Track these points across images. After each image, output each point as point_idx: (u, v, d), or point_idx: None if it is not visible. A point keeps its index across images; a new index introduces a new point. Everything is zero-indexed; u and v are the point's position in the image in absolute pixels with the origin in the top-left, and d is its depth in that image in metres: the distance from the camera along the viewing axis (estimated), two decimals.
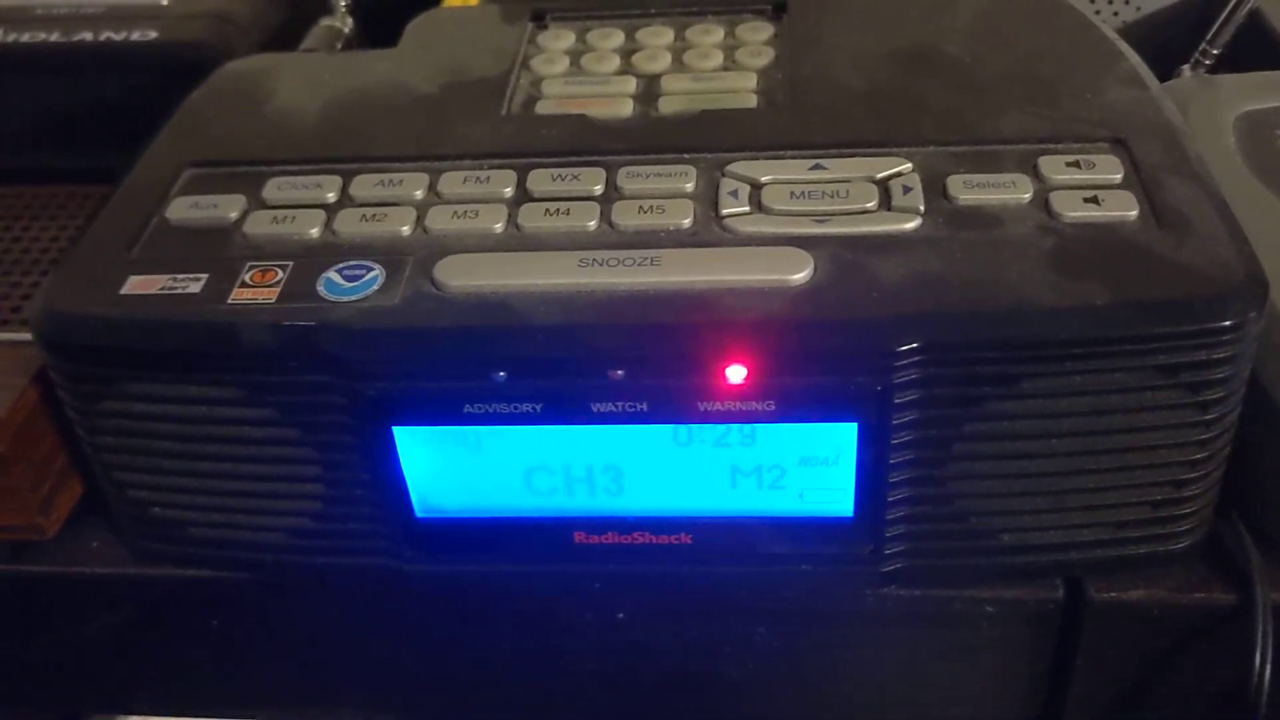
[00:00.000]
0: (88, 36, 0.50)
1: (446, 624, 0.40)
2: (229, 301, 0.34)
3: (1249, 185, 0.41)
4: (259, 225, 0.37)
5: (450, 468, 0.36)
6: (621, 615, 0.39)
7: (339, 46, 0.52)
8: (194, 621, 0.41)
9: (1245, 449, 0.36)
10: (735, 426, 0.34)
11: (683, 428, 0.35)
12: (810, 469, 0.35)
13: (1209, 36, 0.50)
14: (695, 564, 0.37)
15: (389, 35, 0.48)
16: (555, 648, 0.41)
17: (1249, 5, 0.49)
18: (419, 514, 0.37)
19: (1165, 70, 0.50)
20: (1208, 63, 0.50)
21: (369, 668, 0.42)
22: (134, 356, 0.35)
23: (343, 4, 0.53)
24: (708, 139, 0.39)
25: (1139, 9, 0.57)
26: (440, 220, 0.37)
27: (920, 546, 0.36)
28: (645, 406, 0.34)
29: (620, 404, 0.34)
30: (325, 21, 0.52)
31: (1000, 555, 0.36)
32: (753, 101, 0.42)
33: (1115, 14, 0.58)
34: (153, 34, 0.50)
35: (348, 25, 0.53)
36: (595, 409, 0.34)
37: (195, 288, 0.35)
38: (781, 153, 0.38)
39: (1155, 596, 0.37)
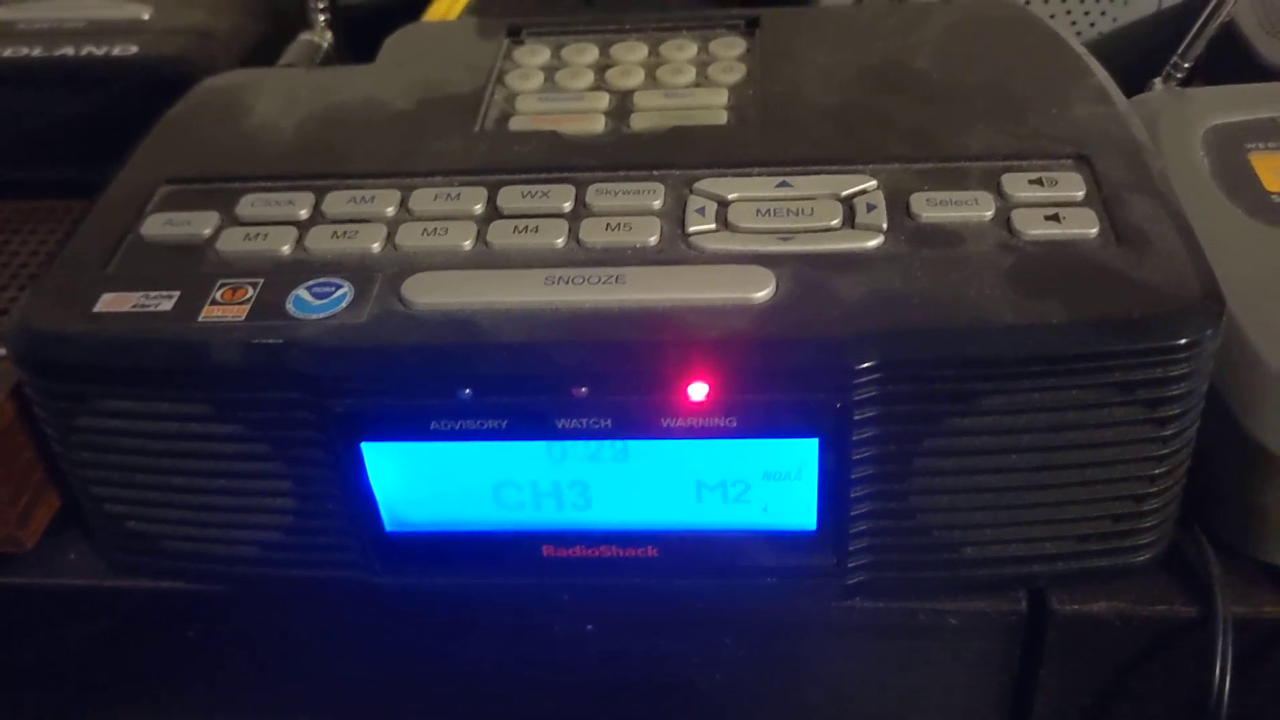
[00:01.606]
0: (69, 52, 0.51)
1: (417, 637, 0.41)
2: (199, 320, 0.35)
3: (1215, 201, 0.42)
4: (231, 242, 0.37)
5: (419, 483, 0.36)
6: (590, 627, 0.39)
7: (318, 61, 0.53)
8: (170, 633, 0.42)
9: (1205, 460, 0.37)
10: (699, 443, 0.35)
11: (647, 443, 0.35)
12: (773, 483, 0.35)
13: (1180, 50, 0.50)
14: (662, 576, 0.37)
15: (368, 49, 0.48)
16: (525, 660, 0.41)
17: (1221, 18, 0.49)
18: (389, 528, 0.37)
19: (1138, 82, 0.50)
20: (1179, 76, 0.50)
21: (341, 679, 0.42)
22: (107, 373, 0.35)
23: (322, 19, 0.53)
24: (677, 156, 0.40)
25: (1115, 20, 0.58)
26: (410, 237, 0.37)
27: (883, 559, 0.36)
28: (609, 423, 0.34)
29: (585, 420, 0.34)
30: (304, 36, 0.53)
31: (963, 568, 0.37)
32: (723, 118, 0.42)
33: (1091, 25, 0.58)
34: (133, 49, 0.50)
35: (326, 40, 0.53)
36: (560, 425, 0.34)
37: (167, 305, 0.36)
38: (749, 170, 0.39)
39: (1117, 608, 0.37)
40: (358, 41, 0.51)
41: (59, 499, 0.41)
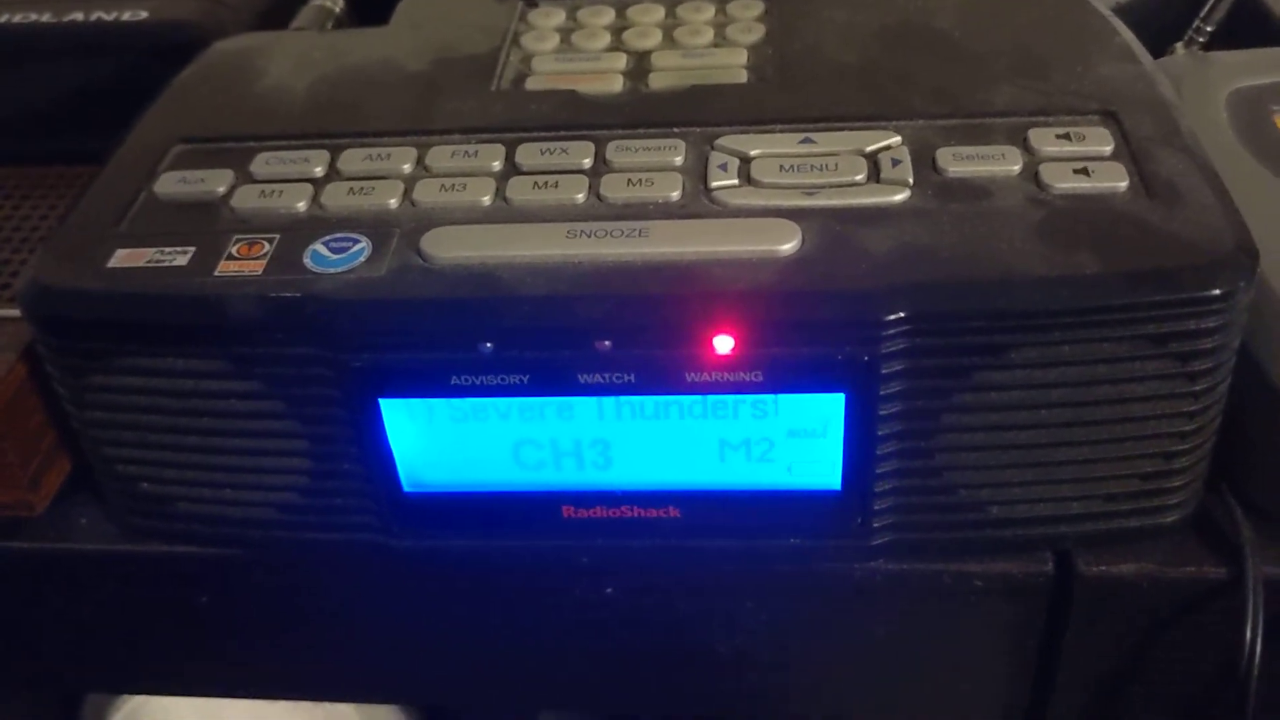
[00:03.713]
0: (78, 17, 0.50)
1: (435, 599, 0.40)
2: (215, 274, 0.34)
3: (1242, 160, 0.41)
4: (246, 199, 0.37)
5: (437, 441, 0.36)
6: (610, 590, 0.39)
7: (330, 26, 0.52)
8: (183, 598, 0.41)
9: (1236, 421, 0.36)
10: (723, 398, 0.34)
11: (671, 400, 0.34)
12: (798, 441, 0.35)
13: (1202, 14, 0.49)
14: (683, 538, 0.37)
15: (379, 15, 0.48)
16: (543, 623, 0.40)
17: None
18: (406, 489, 0.36)
19: (1160, 47, 0.49)
20: (1201, 40, 0.50)
21: (358, 643, 0.42)
22: (120, 329, 0.35)
23: None
24: (697, 114, 0.39)
25: None
26: (428, 193, 0.36)
27: (908, 520, 0.36)
28: (632, 378, 0.34)
29: (607, 375, 0.34)
30: (316, 1, 0.52)
31: (989, 528, 0.36)
32: (743, 77, 0.42)
33: None
34: (143, 14, 0.50)
35: (338, 5, 0.53)
36: (582, 380, 0.34)
37: (182, 260, 0.35)
38: (771, 127, 0.38)
39: (1145, 570, 0.37)
40: (370, 7, 0.51)
41: (70, 462, 0.41)
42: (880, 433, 0.34)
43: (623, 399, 0.34)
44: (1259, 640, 0.35)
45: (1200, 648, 0.38)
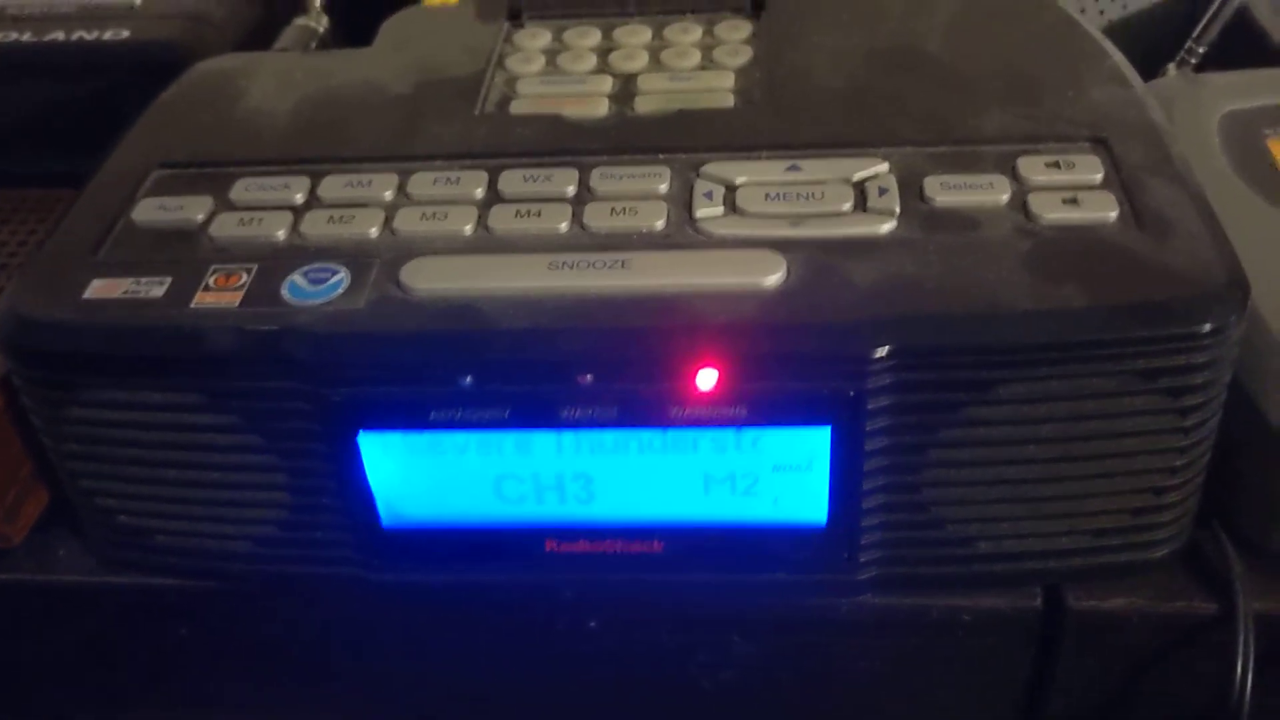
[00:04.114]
0: (59, 37, 0.50)
1: (416, 634, 0.40)
2: (191, 306, 0.34)
3: (1233, 186, 0.41)
4: (225, 227, 0.36)
5: (417, 475, 0.35)
6: (594, 624, 0.38)
7: (313, 46, 0.52)
8: (161, 631, 0.41)
9: (1226, 455, 0.36)
10: (707, 432, 0.34)
11: (654, 433, 0.34)
12: (784, 475, 0.34)
13: (1195, 34, 0.49)
14: (668, 572, 0.36)
15: (365, 34, 0.47)
16: (526, 658, 0.40)
17: (1235, 3, 0.49)
18: (386, 523, 0.36)
19: (1152, 68, 0.49)
20: (1194, 61, 0.49)
21: (337, 678, 0.41)
22: (96, 362, 0.34)
23: (317, 3, 0.52)
24: (683, 139, 0.39)
25: (1125, 6, 0.57)
26: (409, 222, 0.36)
27: (896, 554, 0.35)
28: (615, 412, 0.33)
29: (590, 409, 0.33)
30: (300, 21, 0.52)
31: (977, 563, 0.36)
32: (730, 101, 0.41)
33: (1101, 12, 0.57)
34: (125, 34, 0.49)
35: (322, 24, 0.52)
36: (564, 414, 0.33)
37: (158, 292, 0.34)
38: (757, 153, 0.38)
39: (1135, 605, 0.36)
40: (355, 27, 0.50)
41: (48, 493, 0.40)
42: (867, 467, 0.34)
43: (605, 433, 0.34)
44: (1249, 676, 0.35)
45: (1190, 683, 0.38)
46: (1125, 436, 0.33)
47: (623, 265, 0.33)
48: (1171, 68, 0.49)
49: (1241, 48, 0.52)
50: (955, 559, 0.35)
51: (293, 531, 0.36)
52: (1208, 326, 0.31)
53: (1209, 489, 0.36)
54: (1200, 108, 0.44)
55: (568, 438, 0.34)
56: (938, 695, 0.40)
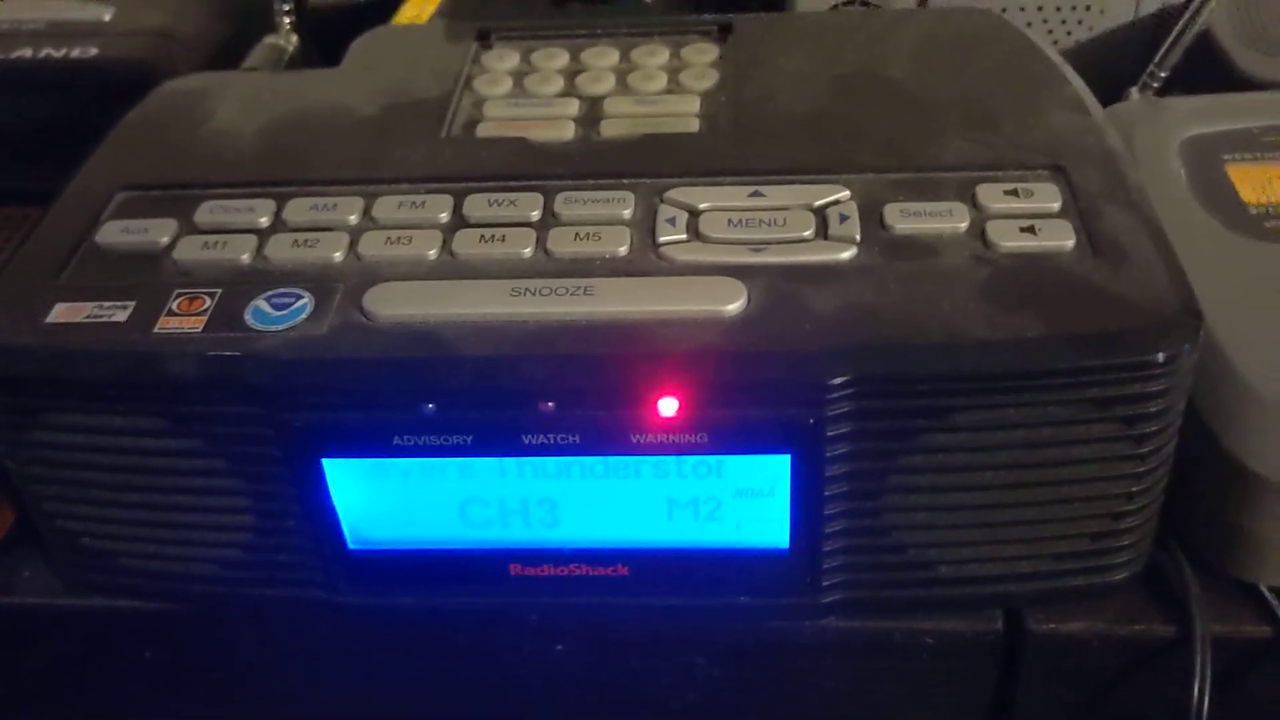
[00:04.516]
0: (26, 54, 0.49)
1: (382, 656, 0.40)
2: (155, 331, 0.34)
3: (1193, 211, 0.41)
4: (189, 250, 0.36)
5: (382, 499, 0.35)
6: (560, 647, 0.39)
7: (283, 65, 0.52)
8: (127, 653, 0.40)
9: (1183, 477, 0.36)
10: (669, 458, 0.34)
11: (617, 459, 0.34)
12: (746, 500, 0.35)
13: (1156, 59, 0.49)
14: (633, 595, 0.36)
15: (336, 53, 0.47)
16: (491, 680, 0.40)
17: (1197, 27, 0.49)
18: (351, 546, 0.36)
19: (1116, 91, 0.50)
20: (1155, 85, 0.50)
21: (303, 700, 0.41)
22: (58, 387, 0.34)
23: (287, 22, 0.52)
24: (648, 164, 0.39)
25: (1091, 28, 0.57)
26: (373, 246, 0.36)
27: (858, 578, 0.36)
28: (578, 439, 0.33)
29: (552, 436, 0.33)
30: (269, 39, 0.52)
31: (938, 586, 0.36)
32: (695, 126, 0.41)
33: (1068, 33, 0.58)
34: (93, 51, 0.49)
35: (292, 43, 0.52)
36: (527, 441, 0.33)
37: (121, 316, 0.34)
38: (721, 179, 0.38)
39: (1095, 628, 0.37)
40: (326, 45, 0.50)
41: (12, 513, 0.40)
42: (827, 493, 0.34)
43: (569, 459, 0.34)
44: (1206, 698, 0.35)
45: (1150, 705, 0.38)
46: (1082, 463, 0.33)
47: (585, 292, 0.34)
48: (1134, 91, 0.50)
49: (1205, 73, 0.53)
50: (917, 583, 0.36)
51: (257, 554, 0.36)
52: (1161, 356, 0.32)
53: (1167, 511, 0.36)
54: (1161, 132, 0.45)
55: (531, 464, 0.34)
56: (900, 717, 0.40)
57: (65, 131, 0.47)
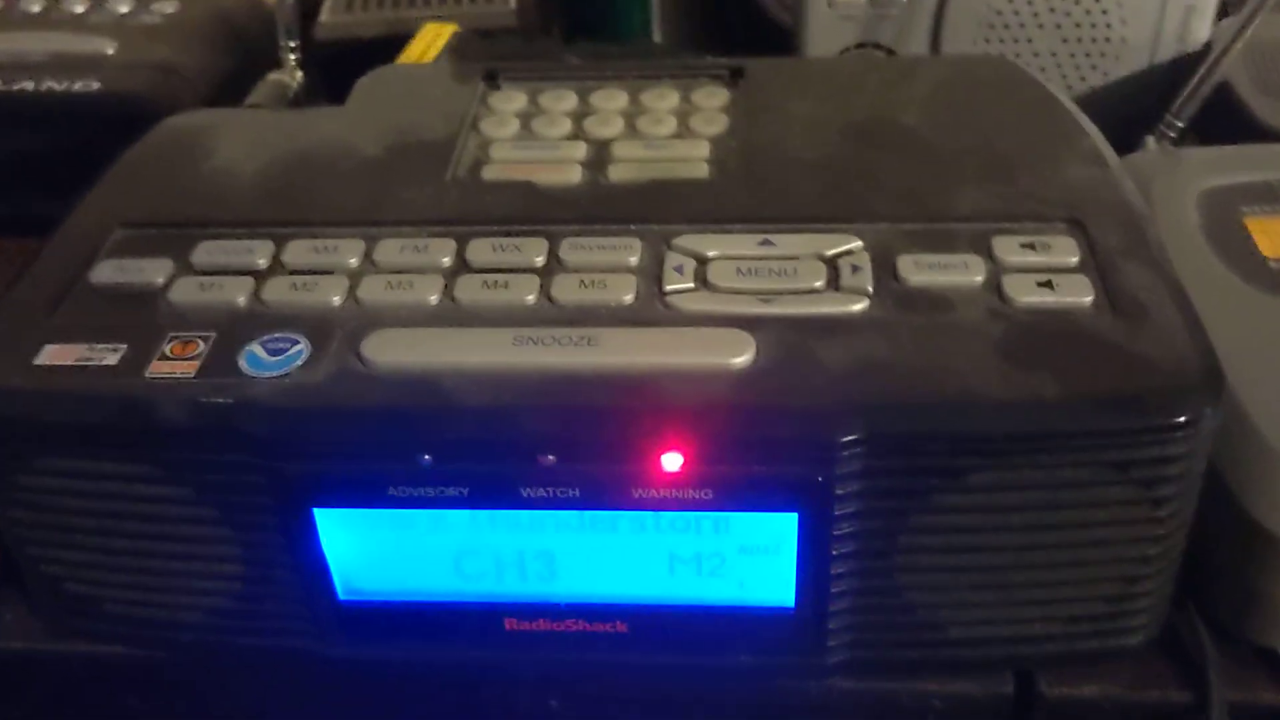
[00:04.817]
0: (28, 86, 0.49)
1: (372, 710, 0.39)
2: (146, 375, 0.33)
3: (1210, 265, 0.40)
4: (185, 292, 0.36)
5: (375, 551, 0.34)
6: (555, 703, 0.37)
7: (287, 102, 0.51)
8: (111, 700, 0.39)
9: (1202, 542, 0.35)
10: (672, 514, 0.33)
11: (617, 514, 0.33)
12: (750, 558, 0.34)
13: (1174, 108, 0.49)
14: (632, 653, 0.35)
15: (341, 90, 0.47)
16: None
17: (1215, 78, 0.49)
18: (342, 597, 0.35)
19: (1132, 139, 0.49)
20: (1172, 135, 0.49)
21: None
22: (46, 430, 0.33)
23: (292, 58, 0.52)
24: (655, 210, 0.38)
25: (1106, 74, 0.57)
26: (373, 290, 0.35)
27: (865, 638, 0.35)
28: (578, 493, 0.32)
29: (552, 490, 0.32)
30: (273, 76, 0.51)
31: (948, 648, 0.35)
32: (704, 171, 0.41)
33: (1082, 79, 0.57)
34: (95, 85, 0.49)
35: (296, 80, 0.52)
36: (525, 494, 0.32)
37: (113, 359, 0.34)
38: (730, 226, 0.37)
39: (1109, 693, 0.36)
40: (331, 81, 0.50)
41: None
42: (835, 551, 0.33)
43: (568, 513, 0.33)
44: None
45: None
46: (1098, 526, 0.32)
47: (588, 342, 0.33)
48: (1151, 140, 0.49)
49: (1222, 122, 0.52)
50: (926, 643, 0.35)
51: (246, 603, 0.35)
52: (1181, 419, 0.31)
53: (1185, 574, 0.35)
54: (1178, 183, 0.44)
55: (529, 517, 0.33)
56: None
57: (66, 165, 0.46)
